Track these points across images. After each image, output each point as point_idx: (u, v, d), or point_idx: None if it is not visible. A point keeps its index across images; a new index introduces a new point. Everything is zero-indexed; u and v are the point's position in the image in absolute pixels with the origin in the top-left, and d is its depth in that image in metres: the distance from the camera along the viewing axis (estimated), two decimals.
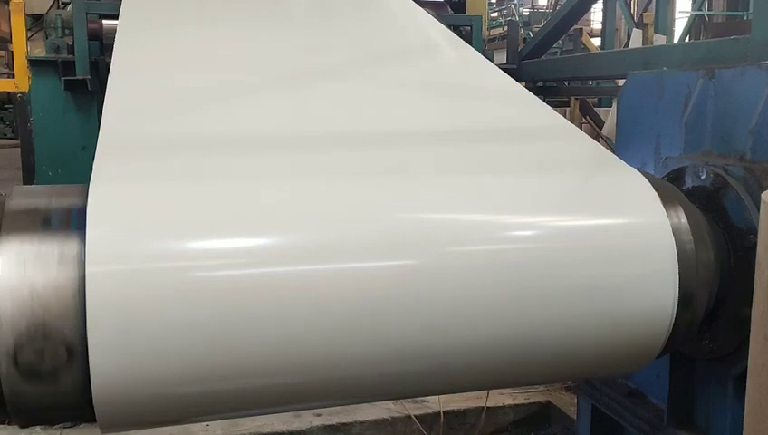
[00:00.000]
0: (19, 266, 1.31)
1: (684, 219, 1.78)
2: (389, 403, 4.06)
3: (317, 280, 1.45)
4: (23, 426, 1.48)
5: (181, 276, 1.37)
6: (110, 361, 1.32)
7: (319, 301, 1.44)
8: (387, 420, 4.01)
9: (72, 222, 1.39)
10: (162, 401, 1.43)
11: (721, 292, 1.88)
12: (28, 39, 4.32)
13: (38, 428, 3.71)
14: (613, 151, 2.31)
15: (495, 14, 23.75)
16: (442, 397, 4.04)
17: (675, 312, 1.72)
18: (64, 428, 3.71)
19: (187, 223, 1.43)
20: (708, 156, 2.10)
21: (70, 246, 1.35)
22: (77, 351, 1.31)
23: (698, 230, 1.81)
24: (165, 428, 1.68)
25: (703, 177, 2.03)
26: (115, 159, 1.57)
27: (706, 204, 1.97)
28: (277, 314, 1.41)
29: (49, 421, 1.43)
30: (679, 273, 1.71)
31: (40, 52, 4.34)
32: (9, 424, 3.72)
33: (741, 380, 2.04)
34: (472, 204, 1.66)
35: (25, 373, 1.30)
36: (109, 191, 1.44)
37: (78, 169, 3.99)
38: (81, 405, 1.36)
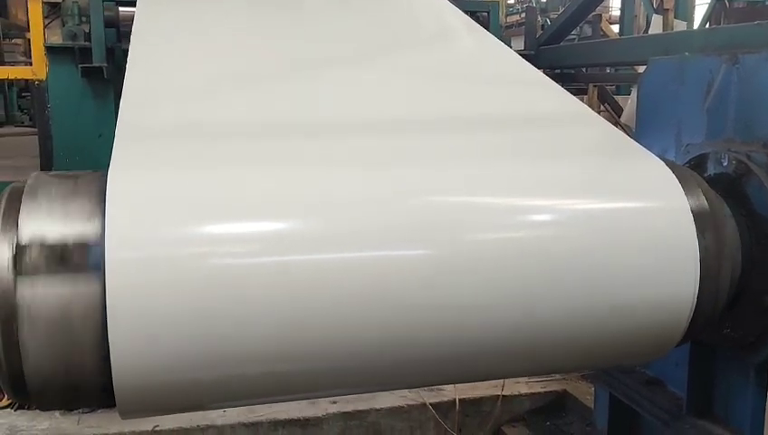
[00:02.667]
0: None
1: (705, 206, 1.75)
2: (405, 391, 4.07)
3: (336, 267, 1.44)
4: (43, 409, 1.49)
5: (201, 262, 1.37)
6: (130, 347, 1.32)
7: (338, 288, 1.43)
8: (403, 407, 4.02)
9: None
10: (182, 388, 1.43)
11: (743, 279, 1.85)
12: (45, 26, 4.33)
13: (57, 413, 3.75)
14: (633, 139, 2.28)
15: (512, 1, 23.51)
16: (458, 385, 4.04)
17: (695, 299, 1.69)
18: (82, 413, 3.75)
19: (206, 209, 1.42)
20: (731, 142, 2.07)
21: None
22: None
23: (720, 217, 1.78)
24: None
25: (725, 163, 2.01)
26: (134, 145, 1.57)
27: (729, 191, 1.94)
28: (296, 302, 1.40)
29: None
30: (700, 260, 1.69)
31: (57, 39, 4.36)
32: (29, 408, 3.77)
33: (762, 368, 2.02)
34: (491, 189, 1.64)
35: None
36: (128, 177, 1.44)
37: (95, 156, 4.00)
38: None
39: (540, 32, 5.16)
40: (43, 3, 4.28)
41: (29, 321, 1.30)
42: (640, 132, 2.49)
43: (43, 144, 4.22)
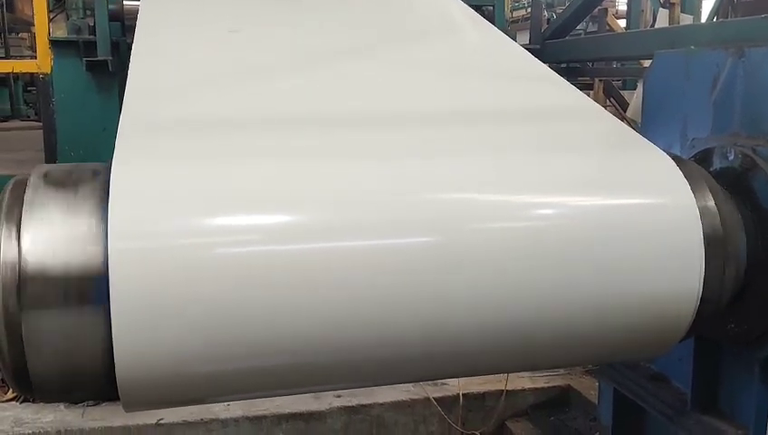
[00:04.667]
0: None
1: (711, 200, 1.75)
2: (409, 385, 4.07)
3: (343, 258, 1.44)
4: (47, 402, 1.50)
5: (204, 254, 1.37)
6: (133, 340, 1.32)
7: (343, 280, 1.43)
8: (406, 401, 4.03)
9: None
10: (185, 380, 1.43)
11: (748, 274, 1.84)
12: (50, 20, 4.33)
13: (61, 406, 3.77)
14: (639, 133, 2.27)
15: None
16: (461, 380, 4.05)
17: (700, 294, 1.69)
18: (87, 406, 3.76)
19: (208, 200, 1.42)
20: (737, 137, 2.05)
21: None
22: None
23: (725, 212, 1.78)
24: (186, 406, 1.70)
25: (731, 158, 1.99)
26: (137, 137, 1.57)
27: (734, 185, 1.93)
28: (301, 293, 1.40)
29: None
30: (705, 255, 1.68)
31: (62, 33, 4.37)
32: (34, 402, 3.79)
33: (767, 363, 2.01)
34: (496, 183, 1.63)
35: None
36: (131, 169, 1.43)
37: (99, 150, 4.01)
38: None
39: (545, 26, 5.14)
40: None
41: (32, 314, 1.30)
42: (646, 127, 2.48)
43: (47, 138, 4.24)
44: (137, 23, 2.25)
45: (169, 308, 1.33)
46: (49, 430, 3.62)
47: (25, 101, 12.32)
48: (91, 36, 4.13)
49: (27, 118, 11.51)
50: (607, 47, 4.33)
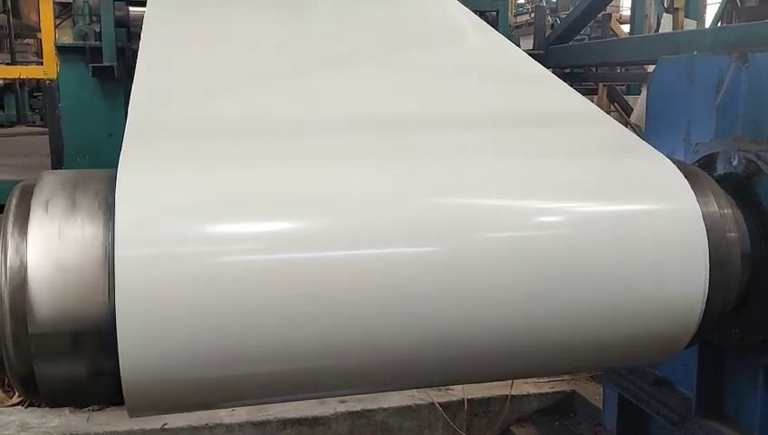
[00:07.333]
0: None
1: (714, 206, 1.75)
2: (413, 391, 4.07)
3: (346, 265, 1.44)
4: (53, 406, 1.50)
5: (210, 261, 1.37)
6: (138, 345, 1.33)
7: (347, 287, 1.43)
8: (411, 407, 4.02)
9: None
10: (190, 386, 1.43)
11: (752, 279, 1.84)
12: (56, 26, 4.36)
13: (66, 410, 3.78)
14: (642, 138, 2.27)
15: (522, 1, 23.42)
16: (466, 385, 4.04)
17: (705, 301, 1.68)
18: (92, 411, 3.77)
19: (215, 207, 1.42)
20: (740, 142, 2.06)
21: None
22: None
23: (729, 217, 1.78)
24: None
25: (735, 163, 2.00)
26: (143, 143, 1.58)
27: (738, 191, 1.93)
28: (304, 300, 1.41)
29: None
30: (710, 260, 1.68)
31: (68, 39, 4.39)
32: (39, 406, 3.80)
33: None
34: (499, 189, 1.63)
35: None
36: (137, 176, 1.44)
37: (105, 156, 4.03)
38: None
39: (549, 31, 5.14)
40: (54, 3, 4.31)
41: (39, 318, 1.31)
42: (650, 132, 2.49)
43: (53, 143, 4.26)
44: (142, 29, 2.26)
45: (175, 314, 1.33)
46: (54, 434, 3.63)
47: (31, 107, 12.37)
48: (97, 42, 4.15)
49: (33, 124, 11.54)
50: (611, 52, 4.33)
